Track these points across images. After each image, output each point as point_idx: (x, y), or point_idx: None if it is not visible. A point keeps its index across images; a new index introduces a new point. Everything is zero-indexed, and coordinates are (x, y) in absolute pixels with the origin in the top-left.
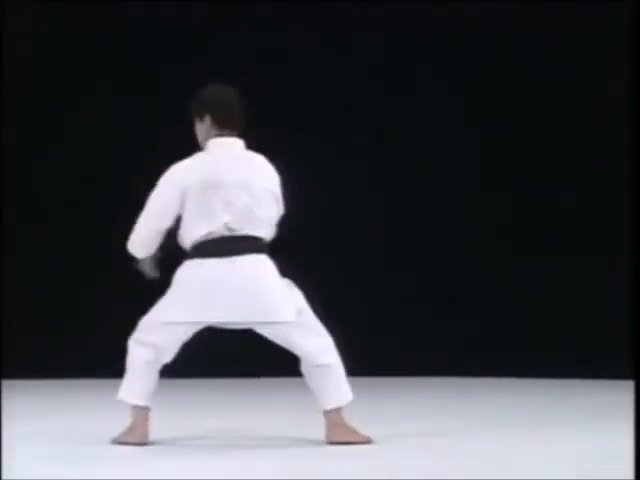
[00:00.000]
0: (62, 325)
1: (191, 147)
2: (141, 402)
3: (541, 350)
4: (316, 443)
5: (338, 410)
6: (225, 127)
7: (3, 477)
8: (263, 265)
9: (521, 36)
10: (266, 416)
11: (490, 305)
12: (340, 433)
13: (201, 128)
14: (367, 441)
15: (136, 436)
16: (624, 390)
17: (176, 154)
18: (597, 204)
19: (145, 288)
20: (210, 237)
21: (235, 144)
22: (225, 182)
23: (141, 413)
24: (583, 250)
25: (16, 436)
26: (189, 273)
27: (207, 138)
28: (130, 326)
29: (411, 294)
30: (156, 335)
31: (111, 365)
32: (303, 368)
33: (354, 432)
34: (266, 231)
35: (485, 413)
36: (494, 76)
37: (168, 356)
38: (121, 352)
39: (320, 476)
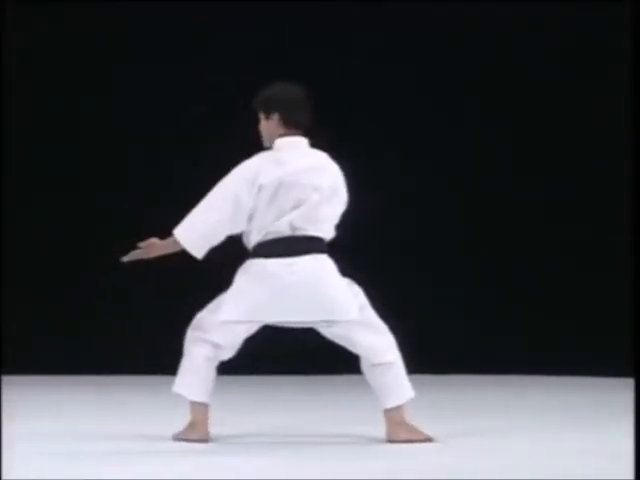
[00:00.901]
0: (62, 321)
1: (192, 146)
2: (202, 399)
3: (540, 348)
4: (377, 441)
5: (399, 408)
6: (292, 126)
7: (3, 477)
8: (324, 264)
9: (521, 36)
10: (326, 413)
11: (490, 303)
12: (401, 431)
13: (267, 125)
14: (428, 439)
15: (197, 433)
16: (624, 388)
17: (176, 153)
18: (597, 204)
19: (145, 287)
20: (274, 237)
21: (302, 143)
22: (299, 183)
23: (201, 410)
24: (584, 249)
25: (16, 434)
26: (252, 272)
27: (273, 136)
28: (129, 324)
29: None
30: (217, 334)
31: (112, 361)
32: (363, 366)
33: (415, 430)
34: (328, 231)
35: (490, 412)
36: (494, 76)
37: (229, 354)
38: (122, 349)
39: (380, 476)
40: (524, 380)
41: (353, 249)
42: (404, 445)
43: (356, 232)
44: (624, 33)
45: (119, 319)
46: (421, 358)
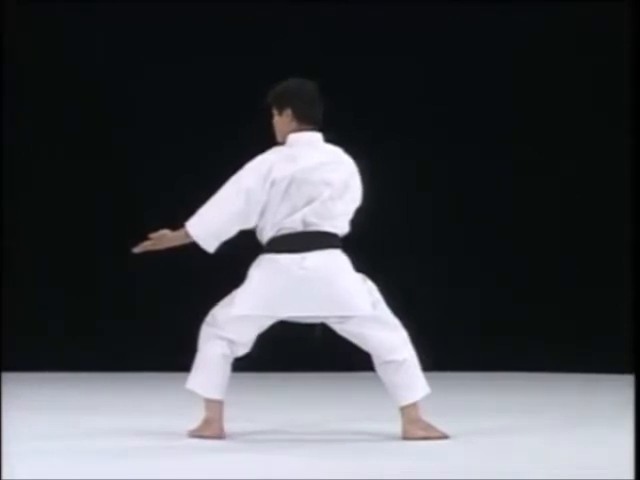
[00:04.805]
0: (62, 318)
1: (189, 145)
2: (217, 396)
3: (540, 346)
4: (393, 439)
5: (413, 405)
6: (305, 121)
7: (3, 477)
8: (337, 259)
9: (521, 36)
10: (344, 411)
11: (489, 303)
12: (416, 429)
13: (281, 121)
14: (444, 437)
15: (213, 430)
16: (624, 385)
17: (175, 152)
18: (598, 202)
19: (143, 286)
20: (286, 232)
21: (315, 139)
22: (310, 179)
23: (216, 407)
24: (583, 247)
25: (16, 433)
26: (265, 267)
27: (286, 132)
28: (127, 321)
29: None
30: (231, 329)
31: (112, 358)
32: (376, 363)
33: (430, 428)
34: (341, 226)
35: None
36: (494, 76)
37: (242, 350)
38: (123, 346)
39: (396, 475)
40: (524, 378)
41: (366, 245)
42: (419, 443)
43: (372, 228)
44: (624, 33)
45: (119, 315)
46: (423, 356)
